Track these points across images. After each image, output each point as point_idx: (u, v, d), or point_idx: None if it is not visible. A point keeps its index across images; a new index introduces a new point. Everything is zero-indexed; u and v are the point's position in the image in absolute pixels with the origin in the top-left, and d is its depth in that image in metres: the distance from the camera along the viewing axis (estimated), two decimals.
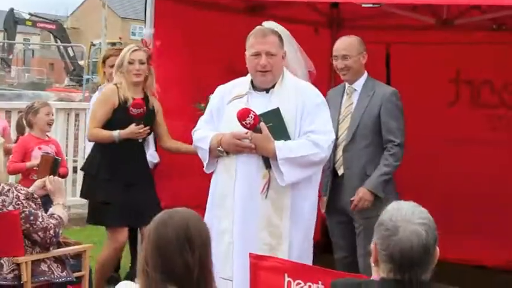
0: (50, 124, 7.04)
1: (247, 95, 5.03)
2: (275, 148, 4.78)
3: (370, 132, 5.70)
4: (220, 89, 5.22)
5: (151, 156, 6.57)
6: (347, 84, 5.86)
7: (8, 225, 4.91)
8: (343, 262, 5.86)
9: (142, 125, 5.93)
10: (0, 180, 5.06)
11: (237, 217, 4.90)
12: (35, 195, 5.09)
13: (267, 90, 5.00)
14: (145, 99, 6.10)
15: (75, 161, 10.12)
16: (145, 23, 6.45)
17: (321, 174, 5.25)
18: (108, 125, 6.03)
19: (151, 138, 6.52)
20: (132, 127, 5.92)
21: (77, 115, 10.49)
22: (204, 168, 5.15)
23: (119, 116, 6.00)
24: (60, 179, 5.58)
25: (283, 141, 4.83)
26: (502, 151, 7.49)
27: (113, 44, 27.88)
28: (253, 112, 4.79)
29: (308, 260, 4.94)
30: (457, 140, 7.52)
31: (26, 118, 6.99)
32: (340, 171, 5.78)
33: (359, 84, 5.81)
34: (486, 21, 7.14)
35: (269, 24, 5.73)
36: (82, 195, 6.46)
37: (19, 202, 4.95)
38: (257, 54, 4.90)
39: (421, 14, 6.96)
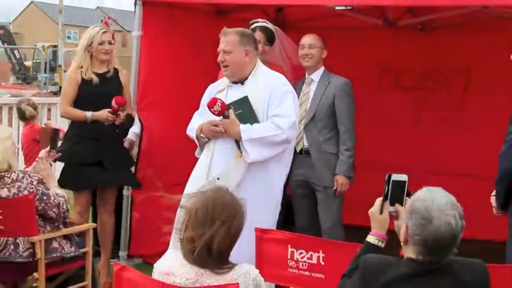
0: None
1: (227, 88, 5.20)
2: (240, 131, 4.93)
3: (325, 116, 5.84)
4: (211, 86, 5.37)
5: (135, 127, 6.54)
6: (307, 75, 6.00)
7: (24, 208, 4.87)
8: (303, 229, 5.79)
9: (113, 116, 5.92)
10: (14, 168, 5.04)
11: None
12: (44, 180, 5.11)
13: (242, 83, 5.14)
14: (116, 72, 6.15)
15: None
16: (134, 25, 6.51)
17: (291, 154, 5.37)
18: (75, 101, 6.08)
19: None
20: (105, 113, 5.90)
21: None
22: (195, 153, 5.30)
23: (82, 93, 6.01)
24: (48, 165, 5.52)
25: (248, 124, 4.96)
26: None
27: (54, 46, 27.83)
28: (221, 101, 4.98)
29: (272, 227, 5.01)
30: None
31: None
32: (299, 148, 5.86)
33: (317, 75, 5.96)
34: (416, 23, 7.38)
35: (259, 23, 6.00)
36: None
37: (32, 186, 4.92)
38: (219, 51, 5.07)
39: (371, 16, 7.07)
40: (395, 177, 3.27)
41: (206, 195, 3.28)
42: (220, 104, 4.96)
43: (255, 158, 4.95)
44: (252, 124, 4.99)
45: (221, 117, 5.00)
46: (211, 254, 3.17)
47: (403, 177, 3.28)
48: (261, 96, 5.07)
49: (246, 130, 4.94)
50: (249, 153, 4.94)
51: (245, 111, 5.02)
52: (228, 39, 5.06)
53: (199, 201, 3.25)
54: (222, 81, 5.29)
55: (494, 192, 4.27)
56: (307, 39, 5.97)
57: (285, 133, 4.98)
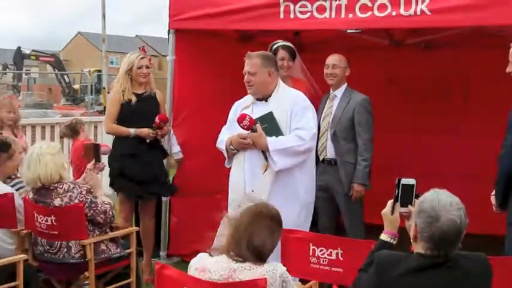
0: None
1: (252, 104, 5.25)
2: (267, 142, 4.98)
3: (346, 129, 5.78)
4: (237, 103, 5.39)
5: (176, 154, 6.58)
6: (331, 91, 5.94)
7: (75, 215, 4.92)
8: (325, 228, 5.90)
9: (155, 132, 5.99)
10: (65, 180, 5.07)
11: None
12: (92, 190, 5.14)
13: (266, 100, 5.17)
14: (153, 93, 6.16)
15: None
16: (169, 51, 6.56)
17: (314, 162, 5.34)
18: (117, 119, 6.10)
19: (174, 140, 6.54)
20: (147, 130, 5.96)
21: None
22: (225, 164, 5.32)
23: (123, 112, 6.03)
24: (96, 176, 5.57)
25: (274, 137, 5.00)
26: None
27: (99, 71, 28.15)
28: (249, 116, 5.02)
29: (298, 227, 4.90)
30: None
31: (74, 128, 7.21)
32: (322, 157, 5.85)
33: (340, 91, 5.90)
34: (420, 42, 7.34)
35: (279, 43, 6.03)
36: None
37: (82, 196, 4.95)
38: (245, 73, 5.12)
39: (379, 37, 7.12)
40: (405, 181, 3.28)
41: (250, 209, 3.35)
42: (248, 119, 5.00)
43: (281, 166, 4.99)
44: (277, 136, 5.03)
45: (249, 131, 5.02)
46: (253, 253, 3.22)
47: (412, 181, 3.29)
48: (284, 111, 5.10)
49: (272, 142, 4.99)
50: (276, 163, 4.98)
51: (270, 125, 5.06)
52: (253, 62, 5.10)
53: (245, 213, 3.33)
54: (247, 99, 5.32)
55: (493, 192, 4.25)
56: (331, 60, 5.93)
57: (307, 143, 5.03)
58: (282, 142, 5.00)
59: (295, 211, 5.10)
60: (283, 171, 5.03)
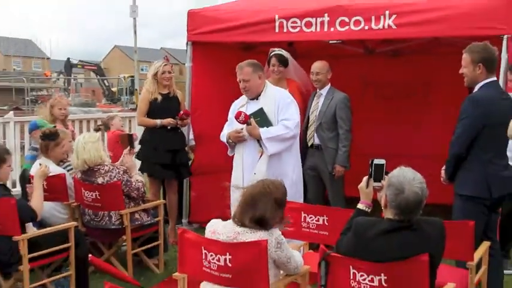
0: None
1: (247, 103, 5.18)
2: (260, 133, 4.94)
3: (329, 121, 5.74)
4: (234, 102, 5.33)
5: (190, 141, 6.57)
6: (318, 90, 5.88)
7: (114, 191, 4.98)
8: (312, 200, 5.78)
9: (175, 122, 5.97)
10: (105, 161, 5.06)
11: (245, 177, 5.00)
12: (127, 171, 5.15)
13: (257, 98, 5.11)
14: (174, 93, 6.11)
15: None
16: (186, 58, 6.55)
17: (298, 147, 5.28)
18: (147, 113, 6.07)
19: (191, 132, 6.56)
20: (169, 119, 5.94)
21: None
22: (228, 152, 5.31)
23: (151, 108, 6.00)
24: (131, 159, 5.49)
25: (266, 127, 4.96)
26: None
27: (132, 76, 28.20)
28: (244, 113, 4.98)
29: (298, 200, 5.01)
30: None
31: (106, 123, 7.18)
32: (310, 143, 5.81)
33: (324, 90, 5.83)
34: (388, 51, 7.27)
35: (275, 51, 5.95)
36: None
37: (120, 175, 4.99)
38: (240, 81, 5.05)
39: (355, 47, 7.09)
40: (377, 161, 3.28)
41: (259, 184, 3.32)
42: (243, 115, 4.97)
43: (273, 151, 4.95)
44: (268, 127, 4.98)
45: (245, 125, 4.99)
46: (256, 223, 3.19)
47: (382, 161, 3.28)
48: (272, 106, 5.04)
49: (264, 132, 4.94)
50: (268, 148, 4.93)
51: (262, 118, 5.01)
52: (245, 71, 5.01)
53: (250, 189, 3.32)
54: (242, 99, 5.25)
55: (444, 167, 4.25)
56: (315, 67, 5.82)
57: (292, 131, 4.98)
58: (271, 131, 4.94)
59: (286, 185, 5.06)
60: (274, 155, 4.97)
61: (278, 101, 5.05)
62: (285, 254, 3.22)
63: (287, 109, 5.04)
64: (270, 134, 4.93)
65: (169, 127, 6.00)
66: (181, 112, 6.01)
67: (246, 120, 4.98)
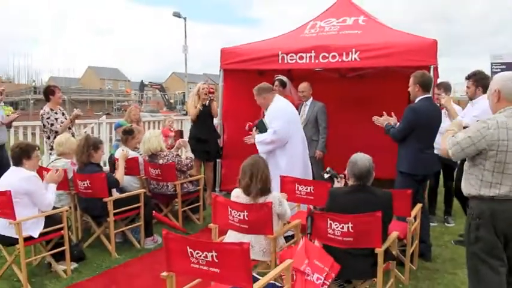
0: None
1: (263, 113, 4.91)
2: (255, 138, 4.70)
3: (313, 122, 5.74)
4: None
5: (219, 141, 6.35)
6: (304, 102, 5.86)
7: (170, 168, 4.97)
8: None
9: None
10: (164, 150, 5.06)
11: None
12: (179, 154, 5.15)
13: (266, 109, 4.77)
14: (210, 104, 5.91)
15: None
16: (219, 79, 6.44)
17: (295, 145, 4.72)
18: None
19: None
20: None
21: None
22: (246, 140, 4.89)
23: (198, 114, 5.87)
24: (185, 141, 5.43)
25: (259, 134, 4.70)
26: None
27: (183, 92, 28.05)
28: (249, 124, 4.86)
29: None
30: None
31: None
32: None
33: (309, 102, 5.85)
34: (355, 76, 7.14)
35: (278, 77, 5.85)
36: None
37: (174, 158, 5.02)
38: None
39: (333, 72, 6.98)
40: (329, 170, 3.63)
41: (248, 161, 3.28)
42: (248, 125, 4.86)
43: (261, 151, 4.58)
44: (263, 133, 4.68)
45: (252, 131, 4.79)
46: (260, 187, 3.18)
47: (330, 172, 3.59)
48: (268, 118, 4.72)
49: (256, 137, 4.68)
50: (259, 149, 4.61)
51: (261, 126, 4.75)
52: (254, 94, 4.74)
53: (247, 164, 3.27)
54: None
55: (390, 134, 4.19)
56: (301, 87, 5.85)
57: (270, 137, 4.59)
58: (259, 137, 4.65)
59: (276, 176, 4.70)
60: (270, 152, 4.62)
61: (270, 115, 4.72)
62: (284, 208, 3.24)
63: (272, 121, 4.66)
64: (258, 139, 4.66)
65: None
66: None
67: (250, 128, 4.86)
